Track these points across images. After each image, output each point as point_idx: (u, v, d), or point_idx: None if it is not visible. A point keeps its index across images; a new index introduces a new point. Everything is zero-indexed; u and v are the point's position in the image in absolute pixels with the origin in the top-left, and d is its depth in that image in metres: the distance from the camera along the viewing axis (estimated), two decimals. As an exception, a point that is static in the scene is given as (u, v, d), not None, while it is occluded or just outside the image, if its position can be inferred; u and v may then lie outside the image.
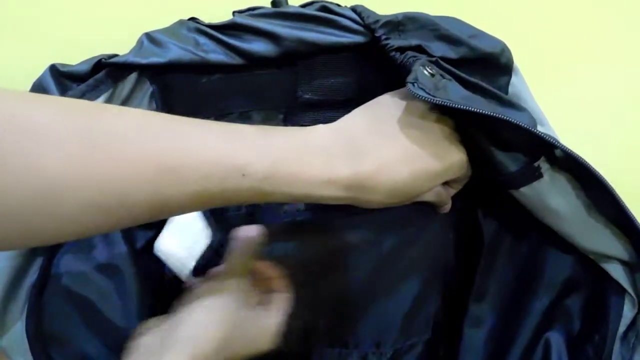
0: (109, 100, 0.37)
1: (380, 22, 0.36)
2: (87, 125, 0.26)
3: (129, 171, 0.26)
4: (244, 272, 0.37)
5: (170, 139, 0.28)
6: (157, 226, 0.40)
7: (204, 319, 0.34)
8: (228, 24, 0.37)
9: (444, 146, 0.34)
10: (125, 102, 0.38)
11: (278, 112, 0.41)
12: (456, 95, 0.33)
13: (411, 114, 0.34)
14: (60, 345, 0.37)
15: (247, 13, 0.38)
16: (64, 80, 0.37)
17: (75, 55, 0.38)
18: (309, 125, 0.33)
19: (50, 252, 0.38)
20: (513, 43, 0.38)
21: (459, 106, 0.31)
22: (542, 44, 0.46)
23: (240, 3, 0.39)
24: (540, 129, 0.33)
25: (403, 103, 0.35)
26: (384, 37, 0.36)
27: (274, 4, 0.39)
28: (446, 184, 0.37)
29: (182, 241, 0.40)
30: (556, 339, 0.40)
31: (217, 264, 0.39)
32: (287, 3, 0.40)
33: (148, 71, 0.38)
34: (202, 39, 0.37)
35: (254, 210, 0.43)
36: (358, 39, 0.37)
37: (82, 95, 0.36)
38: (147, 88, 0.38)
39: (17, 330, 0.36)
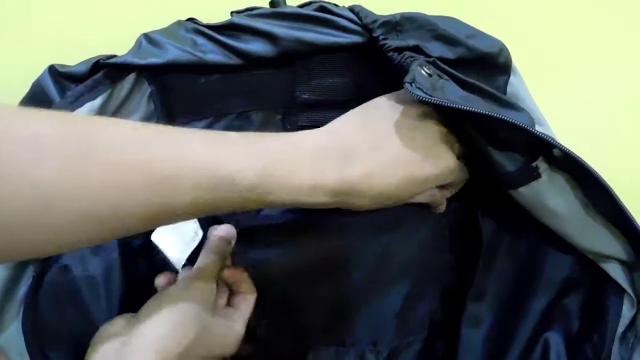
0: (107, 101, 0.37)
1: (378, 22, 0.36)
2: (80, 136, 0.26)
3: (121, 181, 0.27)
4: (215, 272, 0.37)
5: (161, 148, 0.28)
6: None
7: (171, 321, 0.33)
8: (226, 24, 0.37)
9: (437, 151, 0.34)
10: (123, 103, 0.38)
11: (276, 113, 0.41)
12: (454, 95, 0.33)
13: (406, 116, 0.34)
14: (56, 343, 0.37)
15: (245, 13, 0.38)
16: (62, 81, 0.37)
17: (75, 55, 0.38)
18: (307, 126, 0.33)
19: None
20: (512, 43, 0.38)
21: (457, 106, 0.31)
22: (542, 44, 0.46)
23: (238, 3, 0.39)
24: (538, 128, 0.33)
25: (399, 105, 0.34)
26: (381, 37, 0.36)
27: (271, 4, 0.39)
28: (441, 186, 0.37)
29: (176, 241, 0.40)
30: (555, 339, 0.40)
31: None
32: (285, 3, 0.40)
33: (146, 72, 0.38)
34: (200, 40, 0.37)
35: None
36: (356, 39, 0.37)
37: (80, 96, 0.36)
38: (146, 89, 0.38)
39: (14, 329, 0.36)
